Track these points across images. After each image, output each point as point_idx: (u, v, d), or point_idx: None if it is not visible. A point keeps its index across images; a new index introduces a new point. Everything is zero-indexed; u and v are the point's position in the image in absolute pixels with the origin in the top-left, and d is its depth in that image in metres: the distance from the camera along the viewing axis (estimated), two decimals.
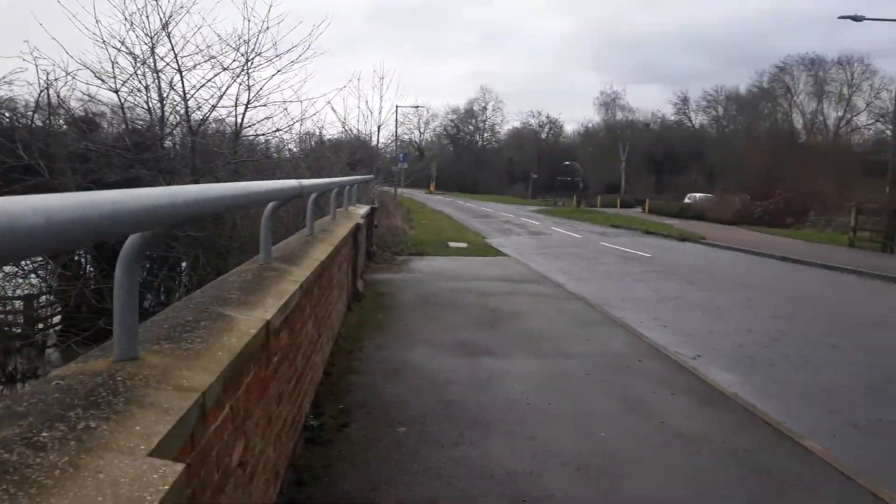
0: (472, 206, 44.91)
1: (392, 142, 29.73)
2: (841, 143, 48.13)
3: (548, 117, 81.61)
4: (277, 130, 11.93)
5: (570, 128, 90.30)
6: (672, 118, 71.00)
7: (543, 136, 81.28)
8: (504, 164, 77.60)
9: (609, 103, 67.72)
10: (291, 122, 12.71)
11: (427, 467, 4.07)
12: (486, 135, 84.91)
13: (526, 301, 9.82)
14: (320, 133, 16.93)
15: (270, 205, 3.75)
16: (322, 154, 14.99)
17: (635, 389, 5.90)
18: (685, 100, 69.56)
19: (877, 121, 50.21)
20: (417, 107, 43.59)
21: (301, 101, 12.59)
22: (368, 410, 4.98)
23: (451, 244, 17.56)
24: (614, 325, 8.54)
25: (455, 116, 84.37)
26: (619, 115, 67.62)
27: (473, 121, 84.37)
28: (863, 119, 52.27)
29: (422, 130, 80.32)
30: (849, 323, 9.62)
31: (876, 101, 50.08)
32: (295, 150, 14.91)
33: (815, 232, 27.25)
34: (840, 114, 52.81)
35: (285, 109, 12.02)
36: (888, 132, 42.38)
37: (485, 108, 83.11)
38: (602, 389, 5.86)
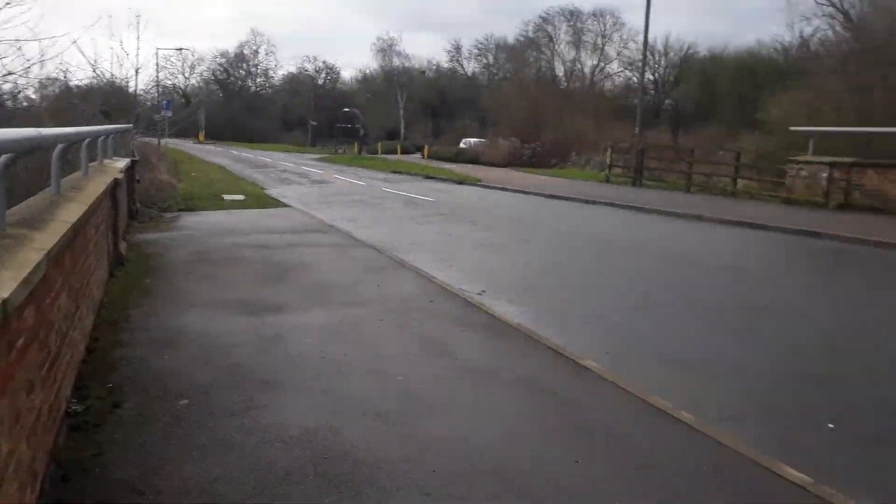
0: (248, 155, 42.83)
1: (153, 87, 27.08)
2: (596, 89, 52.86)
3: (324, 63, 79.77)
4: (9, 74, 10.18)
5: (347, 74, 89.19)
6: (446, 66, 73.12)
7: (321, 81, 79.40)
8: (280, 111, 74.86)
9: (386, 50, 67.70)
10: (28, 65, 10.85)
11: (215, 440, 3.74)
12: (259, 80, 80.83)
13: (312, 252, 9.52)
14: (66, 78, 14.82)
15: (2, 159, 3.10)
16: (69, 102, 13.16)
17: (428, 330, 5.95)
18: (458, 48, 72.03)
19: (625, 69, 56.13)
20: (181, 49, 40.22)
21: (40, 41, 10.82)
22: (143, 386, 4.47)
23: (227, 197, 16.54)
24: (404, 269, 8.57)
25: (224, 60, 79.06)
26: (397, 62, 67.95)
27: (245, 65, 79.74)
28: (614, 67, 58.04)
29: (187, 75, 74.49)
30: (612, 250, 10.58)
31: (624, 51, 55.90)
32: (35, 97, 12.92)
33: (576, 171, 29.73)
34: (595, 62, 58.06)
35: (19, 49, 10.26)
36: (635, 79, 47.34)
37: (256, 52, 78.87)
38: (396, 333, 5.84)
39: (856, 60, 23.44)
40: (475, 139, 43.37)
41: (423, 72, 70.45)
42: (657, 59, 55.55)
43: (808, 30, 41.37)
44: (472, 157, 36.73)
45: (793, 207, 16.04)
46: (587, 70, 58.16)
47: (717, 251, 10.73)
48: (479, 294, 7.53)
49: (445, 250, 10.34)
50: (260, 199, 16.37)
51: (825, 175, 15.95)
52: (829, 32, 27.94)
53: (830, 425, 4.25)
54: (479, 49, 69.85)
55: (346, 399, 4.37)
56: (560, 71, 58.68)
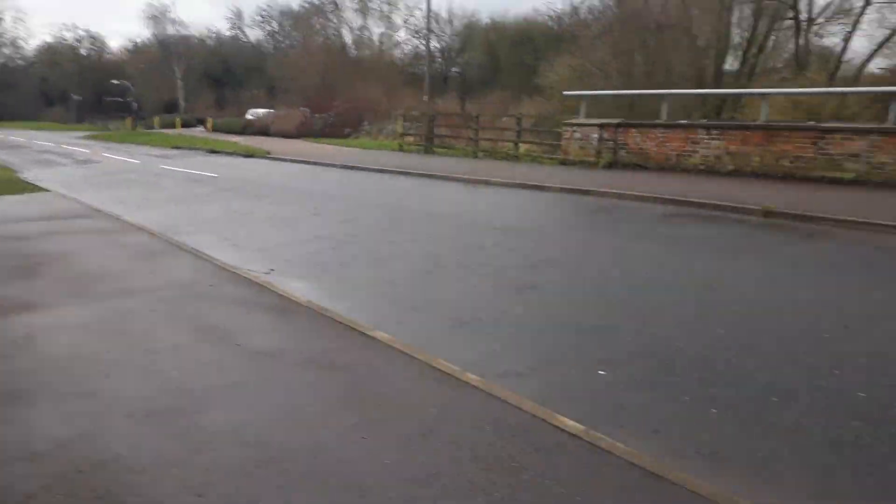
0: None
1: None
2: (385, 56, 53.01)
3: (87, 31, 72.14)
4: None
5: (115, 43, 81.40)
6: (228, 34, 69.40)
7: (84, 52, 71.67)
8: (37, 86, 66.62)
9: (158, 17, 62.64)
10: None
11: None
12: (6, 51, 71.13)
13: (75, 240, 8.52)
14: None
15: None
16: None
17: (209, 316, 5.55)
18: (239, 15, 68.56)
19: (412, 36, 56.87)
20: None
21: None
22: None
23: None
24: (183, 253, 7.95)
25: None
26: (171, 30, 63.16)
27: None
28: (402, 35, 58.59)
29: None
30: (405, 218, 10.63)
31: (411, 19, 56.58)
32: None
33: (369, 140, 29.68)
34: (383, 30, 58.09)
35: None
36: (422, 47, 48.13)
37: (1, 19, 69.31)
38: (172, 324, 5.36)
39: (618, 27, 25.59)
40: (264, 110, 41.66)
41: (203, 40, 66.32)
42: (442, 26, 56.89)
43: None
44: (261, 129, 35.29)
45: (569, 168, 17.23)
46: (375, 38, 58.19)
47: (503, 213, 11.20)
48: (268, 273, 7.19)
49: (231, 229, 9.77)
50: (11, 184, 14.37)
51: (596, 136, 17.26)
52: (594, 1, 30.21)
53: (601, 372, 4.55)
54: (262, 16, 67.17)
55: (110, 402, 3.92)
56: (349, 39, 58.12)
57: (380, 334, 5.09)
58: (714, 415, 3.93)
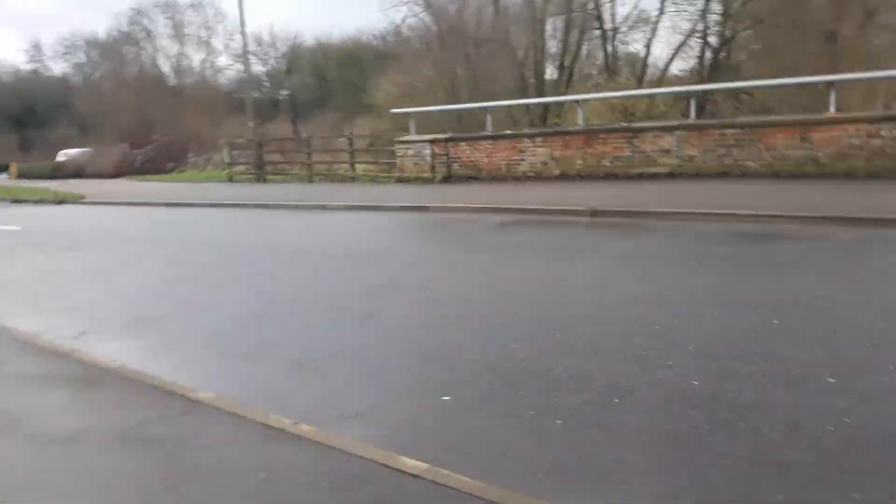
0: None
1: None
2: (209, 83, 50.83)
3: None
4: None
5: None
6: (27, 67, 63.58)
7: None
8: None
9: None
10: None
11: None
12: None
13: None
14: None
15: None
16: None
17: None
18: (38, 46, 62.92)
19: (235, 61, 54.85)
20: None
21: None
22: None
23: None
24: None
25: None
26: None
27: None
28: (224, 60, 56.45)
29: None
30: (238, 255, 10.00)
31: (232, 44, 54.42)
32: None
33: (196, 172, 28.18)
34: (203, 56, 55.61)
35: None
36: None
37: None
38: None
39: (438, 44, 26.08)
40: (77, 150, 38.47)
41: None
42: (265, 49, 55.52)
43: (398, 16, 45.16)
44: (75, 171, 32.56)
45: (406, 185, 17.18)
46: (196, 65, 55.67)
47: (340, 238, 10.85)
48: (78, 336, 6.39)
49: (35, 289, 8.70)
50: None
51: (428, 152, 17.34)
52: (413, 18, 30.54)
53: (446, 398, 4.34)
54: (65, 47, 61.97)
55: None
56: (166, 67, 55.13)
57: (204, 395, 4.58)
58: (559, 426, 3.83)
